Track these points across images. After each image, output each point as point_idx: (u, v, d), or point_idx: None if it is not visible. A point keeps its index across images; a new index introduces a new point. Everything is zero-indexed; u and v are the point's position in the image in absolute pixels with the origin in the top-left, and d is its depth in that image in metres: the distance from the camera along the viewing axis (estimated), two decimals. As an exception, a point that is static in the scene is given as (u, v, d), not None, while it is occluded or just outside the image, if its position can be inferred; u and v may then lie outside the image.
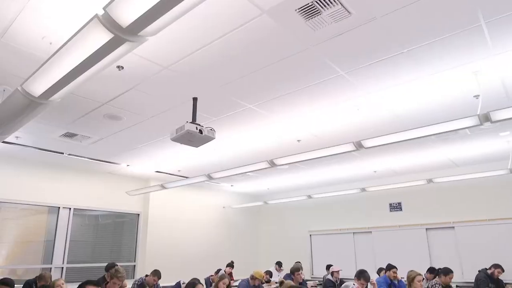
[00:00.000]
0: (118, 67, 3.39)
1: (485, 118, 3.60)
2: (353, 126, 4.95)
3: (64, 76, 2.50)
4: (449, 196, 7.74)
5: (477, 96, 4.15)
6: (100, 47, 2.12)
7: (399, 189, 7.90)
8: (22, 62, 3.28)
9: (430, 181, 6.93)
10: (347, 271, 7.46)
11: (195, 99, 3.98)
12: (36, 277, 5.19)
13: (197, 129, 3.60)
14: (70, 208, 7.11)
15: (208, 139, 3.70)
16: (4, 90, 3.82)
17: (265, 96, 4.07)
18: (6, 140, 5.22)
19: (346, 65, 3.45)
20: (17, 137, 5.33)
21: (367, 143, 4.21)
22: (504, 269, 6.43)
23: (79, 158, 6.36)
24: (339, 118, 4.72)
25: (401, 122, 4.79)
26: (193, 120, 3.82)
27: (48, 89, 2.71)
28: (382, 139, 4.15)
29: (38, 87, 2.76)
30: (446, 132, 3.95)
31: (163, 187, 6.80)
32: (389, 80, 3.75)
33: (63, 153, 6.12)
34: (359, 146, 4.26)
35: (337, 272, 7.01)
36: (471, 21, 2.84)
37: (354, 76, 3.65)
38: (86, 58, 2.26)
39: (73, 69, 2.40)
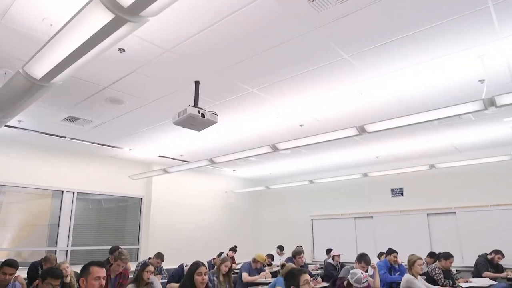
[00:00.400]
0: (119, 49, 3.36)
1: (490, 102, 3.57)
2: (356, 111, 4.92)
3: (65, 58, 2.48)
4: (450, 181, 7.75)
5: (482, 81, 4.11)
6: (101, 28, 2.10)
7: (401, 174, 7.91)
8: (23, 44, 3.26)
9: (432, 166, 6.93)
10: (348, 255, 7.54)
11: (197, 83, 3.95)
12: (42, 259, 5.26)
13: (199, 112, 3.58)
14: (73, 192, 7.17)
15: (211, 123, 3.69)
16: (5, 73, 3.80)
17: (267, 80, 4.03)
18: (9, 124, 5.23)
19: (350, 48, 3.40)
20: (19, 121, 5.33)
21: (370, 128, 4.19)
22: (505, 254, 6.48)
23: (82, 142, 6.38)
24: (342, 103, 4.69)
25: (405, 106, 4.76)
26: (195, 104, 3.80)
27: (49, 71, 2.69)
28: (385, 123, 4.13)
29: (39, 69, 2.74)
30: (450, 117, 3.93)
31: (165, 171, 6.83)
32: (393, 64, 3.71)
33: (65, 137, 6.13)
34: (362, 130, 4.24)
35: (338, 256, 7.09)
36: (479, 3, 2.79)
37: (358, 60, 3.61)
38: (87, 40, 2.24)
39: (74, 50, 2.38)
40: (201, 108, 3.66)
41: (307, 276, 2.74)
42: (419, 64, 3.72)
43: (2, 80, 3.76)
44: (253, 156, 6.24)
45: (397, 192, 8.48)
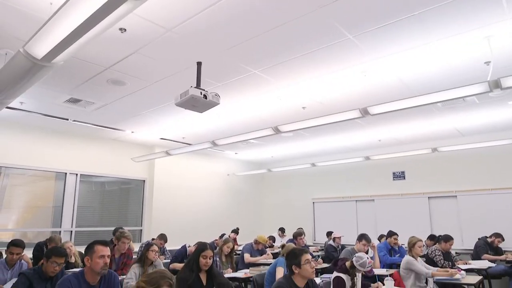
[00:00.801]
0: (120, 29, 3.32)
1: (495, 84, 3.53)
2: (359, 93, 4.88)
3: (66, 36, 2.45)
4: (452, 165, 7.75)
5: (488, 63, 4.05)
6: (102, 5, 2.06)
7: (403, 158, 7.91)
8: (23, 23, 3.22)
9: (435, 150, 6.92)
10: (349, 238, 7.62)
11: (199, 64, 3.92)
12: (47, 239, 5.35)
13: (201, 94, 3.56)
14: (76, 174, 7.21)
15: (213, 104, 3.67)
16: (6, 54, 3.78)
17: (270, 61, 3.99)
18: (11, 105, 5.22)
19: (354, 29, 3.35)
20: (21, 102, 5.32)
21: (373, 110, 4.16)
22: (505, 238, 6.53)
23: (84, 124, 6.38)
24: (345, 85, 4.64)
25: (408, 89, 4.71)
26: (198, 85, 3.77)
27: (50, 50, 2.66)
28: (388, 105, 4.10)
29: (40, 48, 2.71)
30: (454, 99, 3.89)
31: (168, 153, 6.85)
32: (398, 45, 3.65)
33: (68, 119, 6.13)
34: (365, 113, 4.21)
35: (339, 238, 7.18)
36: (487, -19, 2.72)
37: (362, 40, 3.55)
38: (88, 18, 2.20)
39: (75, 29, 2.35)
40: (203, 90, 3.63)
41: (308, 256, 2.77)
42: (425, 45, 3.66)
43: (3, 60, 3.73)
44: (255, 138, 6.25)
45: (399, 176, 8.50)
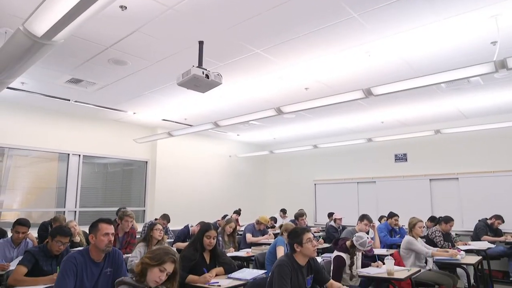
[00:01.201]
0: (121, 7, 3.26)
1: (501, 64, 3.48)
2: (363, 74, 4.82)
3: (66, 13, 2.41)
4: (454, 147, 7.73)
5: (494, 43, 3.98)
6: (102, -20, 2.02)
7: (405, 140, 7.89)
8: (22, 1, 3.16)
9: (437, 132, 6.89)
10: (350, 219, 7.69)
11: (201, 43, 3.87)
12: (51, 219, 5.42)
13: (203, 73, 3.53)
14: (79, 155, 7.24)
15: (215, 84, 3.64)
16: (6, 32, 3.73)
17: (272, 40, 3.93)
18: (12, 86, 5.20)
19: (359, 7, 3.28)
20: (22, 82, 5.30)
21: (377, 90, 4.12)
22: (505, 220, 6.57)
23: (86, 105, 6.36)
24: (349, 65, 4.58)
25: (412, 69, 4.65)
26: (199, 65, 3.73)
27: (50, 28, 2.63)
28: (392, 86, 4.06)
29: (40, 26, 2.68)
30: (459, 79, 3.85)
31: (170, 134, 6.85)
32: (403, 24, 3.59)
33: (69, 100, 6.11)
34: (368, 93, 4.18)
35: (340, 219, 7.26)
36: (497, -44, 2.65)
37: (366, 19, 3.49)
38: (88, -7, 2.17)
39: (75, 5, 2.31)
40: (205, 69, 3.60)
41: (310, 235, 2.80)
42: (430, 24, 3.60)
43: (3, 39, 3.69)
44: (257, 119, 6.24)
45: (401, 158, 8.50)
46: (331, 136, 9.12)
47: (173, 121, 7.59)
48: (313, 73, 4.85)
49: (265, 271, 3.57)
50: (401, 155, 8.49)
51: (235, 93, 5.71)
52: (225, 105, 6.32)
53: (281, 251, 4.32)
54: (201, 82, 3.59)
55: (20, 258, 3.48)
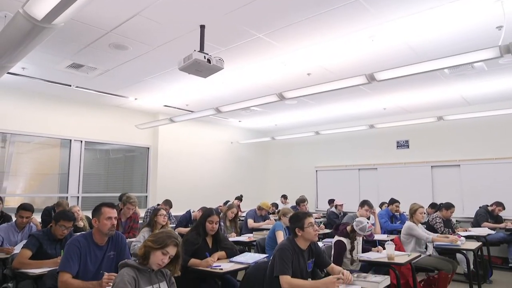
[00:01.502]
0: (121, -10, 3.22)
1: (507, 49, 3.43)
2: (366, 59, 4.77)
3: (65, -5, 2.38)
4: (457, 134, 7.71)
5: (500, 27, 3.92)
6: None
7: (407, 126, 7.87)
8: (21, -17, 3.12)
9: (440, 118, 6.86)
10: (351, 205, 7.72)
11: (202, 27, 3.82)
12: (54, 204, 5.46)
13: (205, 58, 3.50)
14: (81, 141, 7.25)
15: (217, 68, 3.61)
16: (5, 16, 3.70)
17: (275, 24, 3.88)
18: (13, 71, 5.17)
19: (363, -10, 3.23)
20: (23, 68, 5.27)
21: (380, 76, 4.09)
22: (506, 207, 6.59)
23: (87, 90, 6.34)
24: (352, 50, 4.53)
25: (416, 54, 4.60)
26: (201, 49, 3.70)
27: (50, 11, 2.60)
28: (395, 71, 4.02)
29: (40, 9, 2.65)
30: (463, 64, 3.81)
31: (171, 120, 6.84)
32: (408, 8, 3.53)
33: (70, 86, 6.08)
34: (371, 79, 4.14)
35: (341, 205, 7.30)
36: None
37: (371, 3, 3.43)
38: (88, -25, 2.13)
39: (74, -13, 2.28)
40: (207, 54, 3.57)
41: (312, 219, 2.82)
42: (435, 8, 3.54)
43: (3, 23, 3.66)
44: (259, 105, 6.21)
45: (403, 145, 8.49)
46: (333, 123, 9.10)
47: (175, 107, 7.57)
48: (316, 58, 4.81)
49: (267, 255, 3.61)
50: (403, 141, 8.48)
51: (237, 79, 5.68)
52: (226, 91, 6.29)
53: (280, 236, 4.36)
54: (203, 67, 3.56)
55: (24, 242, 3.52)
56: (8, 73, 4.95)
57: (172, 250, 2.16)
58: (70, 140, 7.11)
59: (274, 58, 4.79)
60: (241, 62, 4.96)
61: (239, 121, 9.32)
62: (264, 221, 6.43)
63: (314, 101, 7.08)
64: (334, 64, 5.00)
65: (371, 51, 4.56)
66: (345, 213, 6.90)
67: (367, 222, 3.58)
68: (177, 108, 7.59)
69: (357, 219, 3.67)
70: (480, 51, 3.57)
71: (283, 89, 5.27)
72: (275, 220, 6.69)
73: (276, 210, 8.10)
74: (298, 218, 2.82)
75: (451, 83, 5.99)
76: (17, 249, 3.62)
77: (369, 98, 6.86)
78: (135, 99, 6.99)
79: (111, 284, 2.10)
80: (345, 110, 7.89)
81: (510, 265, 6.13)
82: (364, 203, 5.11)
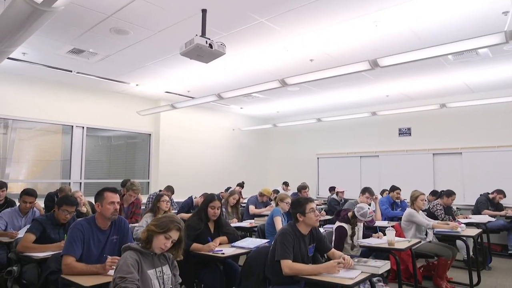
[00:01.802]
0: (122, -28, 3.17)
1: (512, 35, 3.38)
2: (370, 44, 4.72)
3: (65, -22, 2.35)
4: (459, 122, 7.67)
5: (506, 13, 3.86)
6: None
7: (409, 114, 7.84)
8: (20, -35, 3.07)
9: (443, 106, 6.83)
10: (352, 193, 7.73)
11: (204, 11, 3.77)
12: (57, 189, 5.49)
13: (206, 43, 3.47)
14: (83, 127, 7.25)
15: (218, 54, 3.58)
16: (5, 0, 3.65)
17: (278, 9, 3.83)
18: (14, 56, 5.15)
19: (367, -27, 3.17)
20: (24, 53, 5.24)
21: (383, 62, 4.05)
22: (506, 195, 6.59)
23: (88, 76, 6.31)
24: (355, 35, 4.48)
25: (420, 40, 4.54)
26: (203, 34, 3.66)
27: (50, -7, 2.57)
28: (399, 57, 3.98)
29: (39, -9, 2.62)
30: (468, 50, 3.76)
31: (173, 107, 6.82)
32: (413, -8, 3.48)
33: (71, 71, 6.06)
34: (374, 65, 4.10)
35: (342, 192, 7.32)
36: None
37: (375, -13, 3.38)
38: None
39: (74, -31, 2.25)
40: (209, 39, 3.53)
41: (313, 205, 2.83)
42: (441, -8, 3.49)
43: (2, 6, 3.61)
44: (261, 91, 6.18)
45: (405, 132, 8.46)
46: (335, 110, 9.06)
47: (176, 93, 7.54)
48: (319, 43, 4.76)
49: (268, 240, 3.64)
50: (405, 129, 8.45)
51: (239, 65, 5.63)
52: (228, 77, 6.25)
53: (278, 221, 4.38)
54: (204, 52, 3.53)
55: (28, 226, 3.55)
56: (9, 58, 4.92)
57: (175, 235, 2.17)
58: (72, 126, 7.11)
59: (276, 43, 4.75)
60: (243, 48, 4.92)
61: (241, 108, 9.29)
62: (266, 207, 6.46)
63: (317, 88, 7.04)
64: (337, 50, 4.95)
65: (374, 37, 4.50)
66: (346, 200, 6.93)
67: (368, 208, 3.60)
68: (178, 94, 7.56)
69: (358, 205, 3.68)
70: (485, 36, 3.52)
71: (285, 75, 5.23)
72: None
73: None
74: (299, 203, 2.83)
75: (454, 70, 5.94)
76: (20, 234, 3.66)
77: (372, 85, 6.82)
78: (137, 85, 6.96)
79: (115, 267, 2.12)
80: (348, 97, 7.85)
81: (509, 252, 6.17)
82: (365, 191, 5.13)
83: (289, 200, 4.71)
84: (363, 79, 6.39)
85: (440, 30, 4.31)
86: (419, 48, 3.95)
